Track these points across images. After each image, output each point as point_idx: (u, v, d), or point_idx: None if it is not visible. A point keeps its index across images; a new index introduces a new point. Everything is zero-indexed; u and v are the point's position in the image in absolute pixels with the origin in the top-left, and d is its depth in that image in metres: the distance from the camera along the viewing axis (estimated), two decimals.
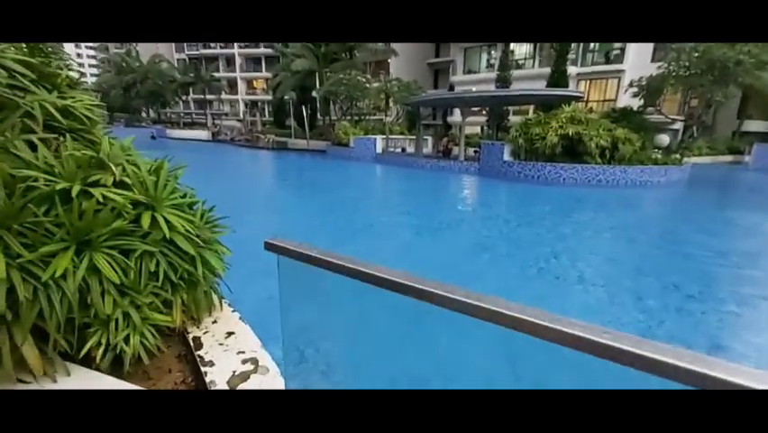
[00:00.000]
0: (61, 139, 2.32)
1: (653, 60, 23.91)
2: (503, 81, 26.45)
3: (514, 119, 26.12)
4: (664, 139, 17.48)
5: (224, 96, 46.93)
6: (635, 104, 21.35)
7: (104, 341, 1.88)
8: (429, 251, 6.81)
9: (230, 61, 49.36)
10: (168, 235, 2.07)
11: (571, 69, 26.12)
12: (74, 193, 1.83)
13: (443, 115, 34.02)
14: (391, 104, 27.91)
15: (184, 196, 2.44)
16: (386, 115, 28.19)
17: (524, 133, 15.23)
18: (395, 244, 7.24)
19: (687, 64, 18.01)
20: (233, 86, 48.97)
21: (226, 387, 1.80)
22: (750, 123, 27.48)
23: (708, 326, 4.34)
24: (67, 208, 1.83)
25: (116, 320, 1.91)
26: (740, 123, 27.61)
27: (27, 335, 1.70)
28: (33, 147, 2.10)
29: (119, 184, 2.07)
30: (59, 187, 1.82)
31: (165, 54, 46.30)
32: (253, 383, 1.83)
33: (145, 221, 2.01)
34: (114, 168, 2.11)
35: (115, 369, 1.92)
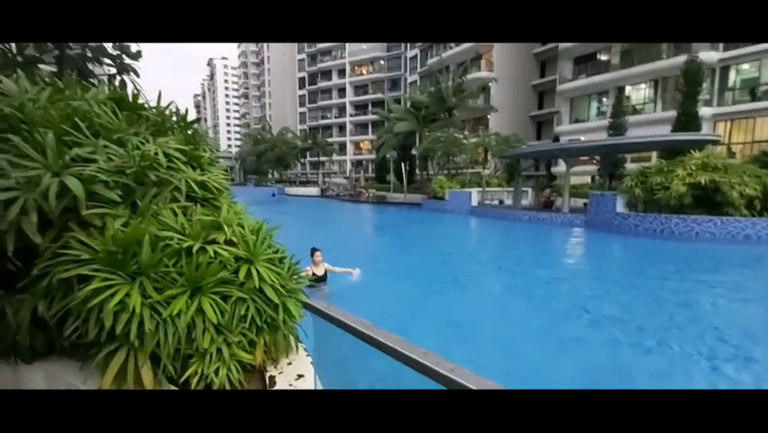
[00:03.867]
0: (194, 206, 3.02)
1: None
2: (617, 128, 24.38)
3: (631, 167, 23.48)
4: None
5: (334, 157, 52.88)
6: None
7: (200, 370, 2.28)
8: (522, 310, 6.34)
9: (342, 128, 56.05)
10: (257, 285, 2.48)
11: (705, 111, 22.88)
12: (195, 249, 2.36)
13: (546, 165, 32.43)
14: (489, 157, 27.83)
15: (276, 251, 2.90)
16: (483, 168, 28.11)
17: (641, 183, 13.59)
18: (482, 300, 6.94)
19: None
20: (342, 148, 55.04)
21: None
22: None
23: None
24: (188, 261, 2.37)
25: (211, 354, 2.32)
26: None
27: (147, 359, 2.19)
28: (174, 212, 2.79)
29: (228, 242, 2.60)
30: (185, 244, 2.38)
31: (291, 126, 55.06)
32: None
33: (242, 273, 2.45)
34: (227, 229, 2.67)
35: None
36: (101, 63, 6.07)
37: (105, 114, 3.11)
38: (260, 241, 2.75)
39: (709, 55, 23.19)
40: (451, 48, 37.48)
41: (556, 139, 31.08)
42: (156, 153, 2.72)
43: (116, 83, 5.62)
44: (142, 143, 2.94)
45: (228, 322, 2.36)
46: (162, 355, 2.13)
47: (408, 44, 46.00)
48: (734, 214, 11.54)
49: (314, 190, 40.91)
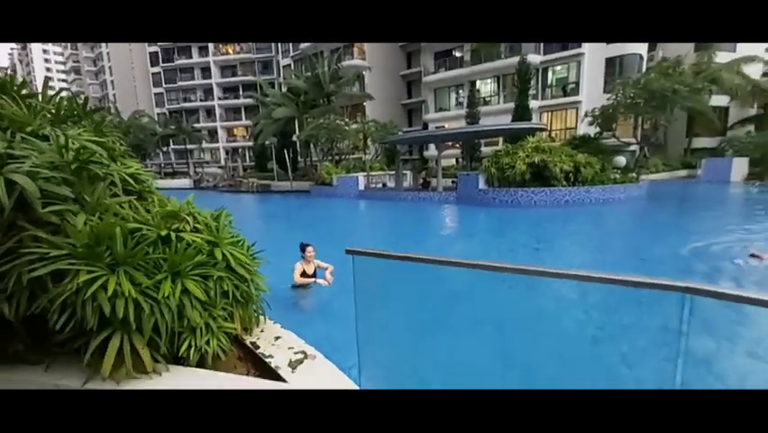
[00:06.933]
0: (133, 199, 3.05)
1: (604, 92, 26.45)
2: (472, 117, 28.54)
3: (485, 150, 27.98)
4: (621, 160, 19.19)
5: (204, 144, 48.08)
6: (592, 131, 23.42)
7: (193, 344, 2.53)
8: None
9: (210, 112, 51.00)
10: (233, 265, 2.79)
11: (533, 103, 28.46)
12: (173, 237, 2.55)
13: (419, 150, 35.82)
14: (369, 143, 29.42)
15: (233, 236, 3.17)
16: (365, 154, 29.60)
17: (495, 163, 16.57)
18: None
19: (632, 95, 20.20)
20: (213, 135, 50.31)
21: (289, 369, 2.46)
22: (697, 140, 30.21)
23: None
24: (166, 248, 2.55)
25: (201, 329, 2.58)
26: (689, 141, 30.31)
27: (144, 341, 2.35)
28: (121, 206, 2.83)
29: (193, 229, 2.80)
30: (163, 233, 2.54)
31: (146, 109, 47.63)
32: (306, 365, 2.51)
33: (218, 255, 2.73)
34: (187, 218, 2.85)
35: (199, 365, 2.56)
36: None
37: (8, 104, 2.91)
38: (221, 227, 3.01)
39: (534, 57, 28.76)
40: None
41: (425, 126, 34.54)
42: (84, 148, 2.70)
43: None
44: (65, 137, 2.87)
45: (213, 299, 2.64)
46: (162, 334, 2.34)
47: None
48: (557, 185, 15.17)
49: (186, 182, 36.81)
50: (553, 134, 29.63)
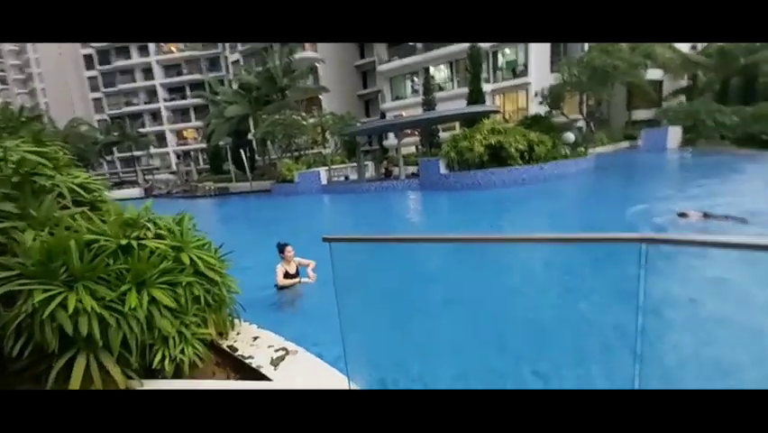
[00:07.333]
0: (86, 210, 2.88)
1: (551, 72, 27.58)
2: (429, 104, 28.84)
3: (444, 135, 28.46)
4: (570, 136, 20.17)
5: (153, 150, 45.41)
6: (543, 110, 24.44)
7: (167, 354, 2.45)
8: None
9: (156, 115, 48.08)
10: (201, 269, 2.71)
11: (486, 87, 29.16)
12: (134, 245, 2.44)
13: (378, 140, 35.80)
14: (328, 136, 29.04)
15: (199, 240, 3.07)
16: (324, 148, 29.21)
17: (454, 148, 16.91)
18: None
19: (576, 73, 21.23)
20: (161, 139, 47.55)
21: (271, 367, 2.45)
22: (636, 112, 32.30)
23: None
24: (127, 258, 2.43)
25: (173, 338, 2.50)
26: (629, 114, 32.35)
27: (115, 359, 2.24)
28: (73, 218, 2.66)
29: (157, 236, 2.69)
30: (123, 242, 2.42)
31: (83, 116, 44.09)
32: (288, 361, 2.51)
33: (185, 259, 2.64)
34: (147, 225, 2.73)
35: (175, 376, 2.49)
36: None
37: None
38: (185, 230, 2.91)
39: (484, 42, 29.41)
40: None
41: (383, 115, 34.51)
42: (24, 159, 2.53)
43: None
44: (3, 149, 2.68)
45: (184, 307, 2.56)
46: (132, 348, 2.24)
47: None
48: (514, 164, 15.76)
49: (135, 191, 34.63)
50: (507, 116, 30.59)
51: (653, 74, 29.26)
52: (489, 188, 15.44)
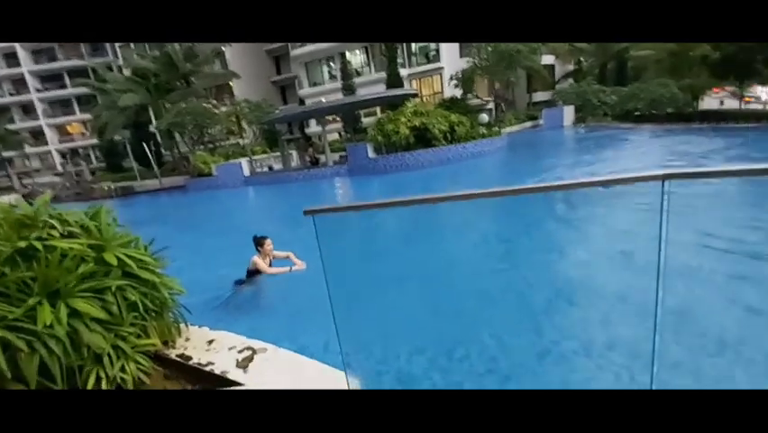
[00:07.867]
0: None
1: (461, 57, 28.92)
2: (349, 89, 28.41)
3: (366, 121, 28.41)
4: (484, 117, 21.52)
5: (28, 149, 38.09)
6: (458, 93, 25.65)
7: (103, 375, 2.00)
8: None
9: (28, 108, 40.21)
10: (134, 270, 2.25)
11: (403, 72, 29.63)
12: (39, 247, 1.92)
13: (300, 128, 34.50)
14: (245, 125, 27.15)
15: (123, 236, 2.56)
16: (242, 138, 27.28)
17: (380, 131, 16.94)
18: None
19: (485, 57, 22.56)
20: (38, 136, 40.08)
21: (239, 371, 2.14)
22: (536, 94, 35.62)
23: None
24: (31, 264, 1.90)
25: (108, 354, 2.05)
26: (530, 96, 35.54)
27: (33, 385, 1.75)
28: None
29: (69, 234, 2.16)
30: (21, 245, 1.88)
31: None
32: (259, 360, 2.22)
33: (110, 259, 2.16)
34: (51, 222, 2.17)
35: None
36: None
37: None
38: (104, 226, 2.40)
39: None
40: None
41: (302, 102, 33.23)
42: None
43: None
44: None
45: (117, 316, 2.11)
46: (56, 374, 1.79)
47: None
48: (438, 144, 16.33)
49: (11, 198, 28.86)
50: (425, 99, 31.53)
51: (547, 59, 32.35)
52: (417, 168, 15.81)
